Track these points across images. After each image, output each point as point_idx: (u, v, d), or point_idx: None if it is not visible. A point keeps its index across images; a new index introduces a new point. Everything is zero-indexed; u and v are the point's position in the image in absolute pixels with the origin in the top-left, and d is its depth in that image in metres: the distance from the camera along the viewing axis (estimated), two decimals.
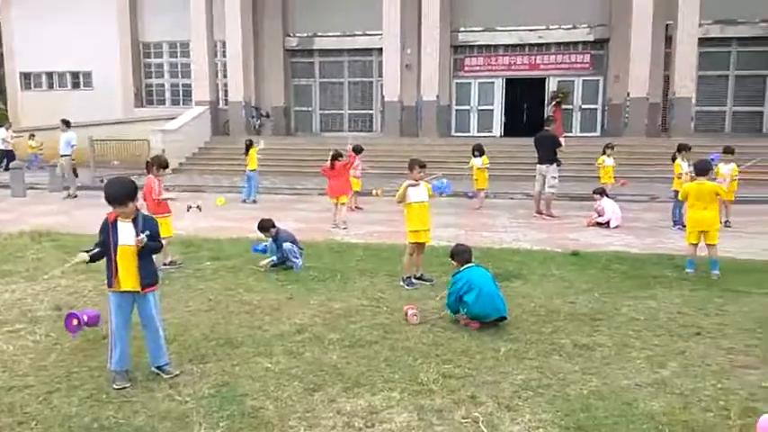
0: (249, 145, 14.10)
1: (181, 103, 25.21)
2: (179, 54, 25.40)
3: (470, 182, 13.38)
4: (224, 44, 22.44)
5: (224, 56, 22.84)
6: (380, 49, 21.58)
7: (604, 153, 12.63)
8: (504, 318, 4.95)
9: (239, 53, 21.83)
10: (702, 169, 7.10)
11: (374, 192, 13.98)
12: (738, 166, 10.57)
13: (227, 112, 22.64)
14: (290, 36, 24.18)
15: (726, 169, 10.20)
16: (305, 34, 24.06)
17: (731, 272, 6.72)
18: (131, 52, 25.22)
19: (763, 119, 21.52)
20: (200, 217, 9.16)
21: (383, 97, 21.82)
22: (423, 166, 6.55)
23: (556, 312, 5.37)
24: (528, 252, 8.13)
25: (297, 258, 7.00)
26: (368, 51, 23.66)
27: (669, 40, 19.61)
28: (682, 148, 10.34)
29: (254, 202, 13.58)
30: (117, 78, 25.07)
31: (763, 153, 17.12)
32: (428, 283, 6.33)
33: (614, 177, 12.71)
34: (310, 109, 25.02)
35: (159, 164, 7.16)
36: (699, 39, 19.20)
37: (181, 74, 25.47)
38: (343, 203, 10.46)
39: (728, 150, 10.56)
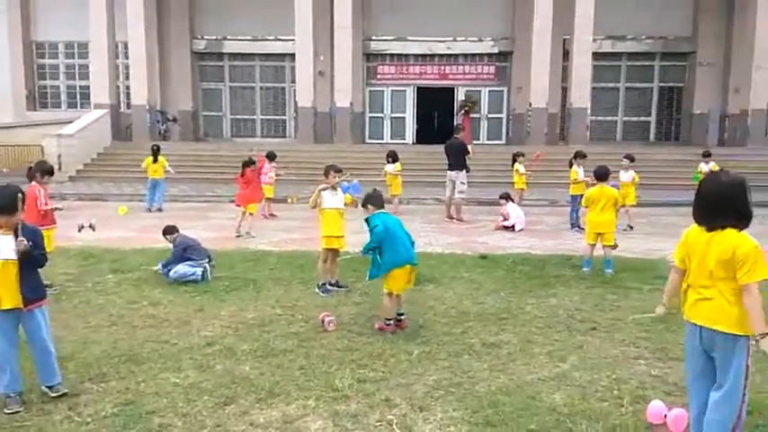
0: (157, 151, 13.49)
1: (78, 106, 23.74)
2: (77, 55, 23.92)
3: (384, 188, 13.56)
4: (126, 45, 21.38)
5: (126, 57, 21.75)
6: (293, 55, 21.44)
7: (515, 161, 13.03)
8: (415, 265, 5.17)
9: (143, 55, 20.87)
10: (602, 175, 7.60)
11: (289, 200, 13.83)
12: (637, 173, 11.43)
13: (130, 116, 21.57)
14: (197, 38, 23.46)
15: (625, 177, 11.03)
16: (213, 37, 23.43)
17: (624, 270, 7.26)
18: (23, 52, 23.43)
19: (650, 128, 23.46)
20: (99, 229, 8.63)
21: (296, 103, 21.67)
22: (338, 171, 6.59)
23: (466, 313, 5.57)
24: (439, 256, 8.36)
25: (191, 275, 6.64)
26: (280, 57, 23.44)
27: (567, 54, 20.92)
28: (578, 156, 11.06)
29: (160, 210, 12.99)
30: (6, 80, 23.15)
31: (652, 159, 18.66)
32: (343, 290, 6.35)
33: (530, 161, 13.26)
34: (221, 113, 24.38)
35: (43, 170, 6.58)
36: (593, 53, 20.62)
37: (78, 76, 23.99)
38: (251, 213, 10.21)
39: (629, 158, 11.37)
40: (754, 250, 2.81)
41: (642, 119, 23.42)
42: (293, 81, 22.38)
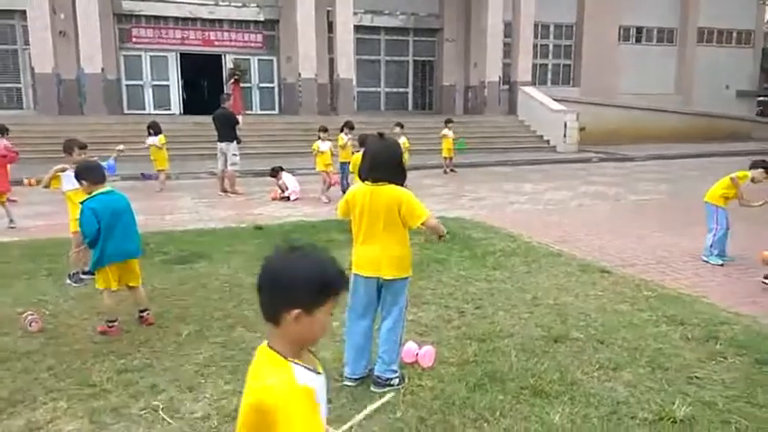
0: None
1: None
2: None
3: (149, 163, 12.61)
4: None
5: None
6: (24, 12, 18.31)
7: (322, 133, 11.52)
8: (138, 254, 4.56)
9: None
10: (363, 142, 8.20)
11: (25, 181, 11.96)
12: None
13: None
14: None
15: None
16: None
17: None
18: None
19: (408, 98, 25.51)
20: None
21: (33, 69, 18.67)
22: (83, 147, 5.94)
23: (240, 286, 5.52)
24: (213, 231, 8.11)
25: None
26: (8, 14, 19.83)
27: (331, 26, 21.50)
28: (346, 125, 11.59)
29: None
30: None
31: (411, 127, 20.34)
32: None
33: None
34: None
35: None
36: (355, 26, 21.52)
37: None
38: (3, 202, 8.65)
39: (399, 125, 12.63)
40: (412, 197, 3.36)
41: (401, 90, 25.34)
42: (27, 43, 19.17)
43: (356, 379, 3.55)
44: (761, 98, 33.89)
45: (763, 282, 5.52)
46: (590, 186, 13.08)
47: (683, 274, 6.07)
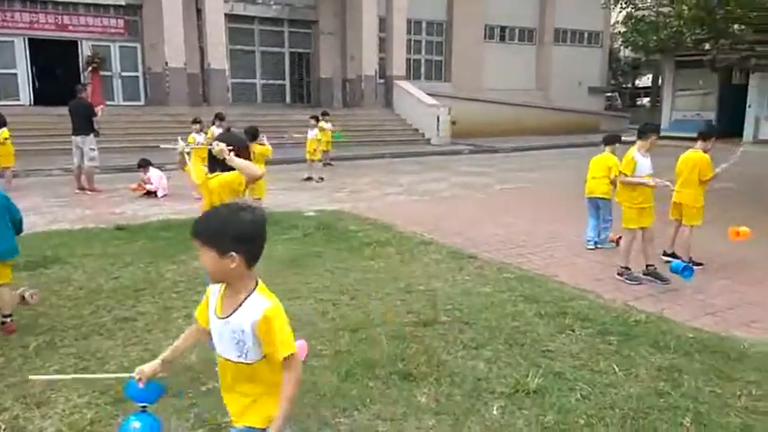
0: None
1: None
2: None
3: None
4: None
5: None
6: None
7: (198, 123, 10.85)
8: (11, 256, 4.34)
9: None
10: (251, 135, 7.94)
11: None
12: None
13: None
14: None
15: (311, 134, 12.75)
16: None
17: (270, 224, 7.71)
18: None
19: (286, 91, 25.08)
20: None
21: None
22: None
23: (97, 292, 5.14)
24: (68, 233, 7.48)
25: None
26: None
27: (200, 13, 20.52)
28: (217, 117, 11.18)
29: None
30: None
31: (288, 119, 20.09)
32: None
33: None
34: None
35: None
36: (227, 14, 20.73)
37: None
38: None
39: (315, 117, 13.20)
40: (235, 180, 3.70)
41: (278, 82, 24.85)
42: None
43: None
44: (608, 94, 37.61)
45: (662, 257, 6.10)
46: (461, 177, 13.74)
47: (540, 256, 6.60)
